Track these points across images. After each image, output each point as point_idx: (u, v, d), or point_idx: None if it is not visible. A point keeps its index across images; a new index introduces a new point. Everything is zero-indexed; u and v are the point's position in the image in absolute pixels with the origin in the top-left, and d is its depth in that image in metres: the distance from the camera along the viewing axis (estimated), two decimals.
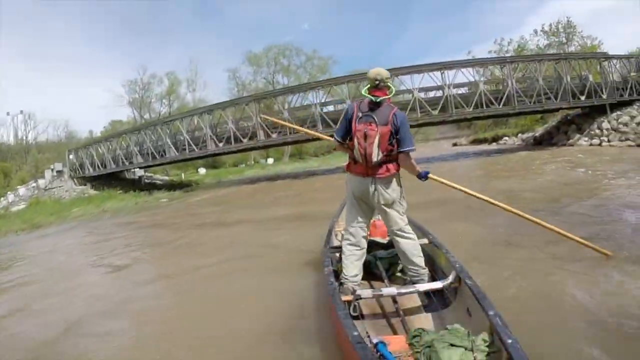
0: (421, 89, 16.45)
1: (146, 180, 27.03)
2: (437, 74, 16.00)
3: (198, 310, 3.27)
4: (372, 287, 2.79)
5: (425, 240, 2.98)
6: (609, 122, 18.66)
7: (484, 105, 15.79)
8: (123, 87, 42.67)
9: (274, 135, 17.65)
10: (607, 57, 19.85)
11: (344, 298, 2.29)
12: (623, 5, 47.72)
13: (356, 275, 2.58)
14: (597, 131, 18.61)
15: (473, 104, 15.68)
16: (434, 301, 2.48)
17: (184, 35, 68.78)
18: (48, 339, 3.09)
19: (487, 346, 1.69)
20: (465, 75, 16.56)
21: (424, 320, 2.31)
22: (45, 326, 3.39)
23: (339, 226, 3.90)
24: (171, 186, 23.96)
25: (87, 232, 10.19)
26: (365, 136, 2.43)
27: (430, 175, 2.75)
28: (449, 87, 15.56)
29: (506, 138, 29.48)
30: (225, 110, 19.78)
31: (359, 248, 2.63)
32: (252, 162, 35.23)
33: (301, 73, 39.33)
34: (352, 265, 2.59)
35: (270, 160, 34.76)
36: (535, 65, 17.42)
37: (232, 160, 38.31)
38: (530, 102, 16.68)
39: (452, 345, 1.69)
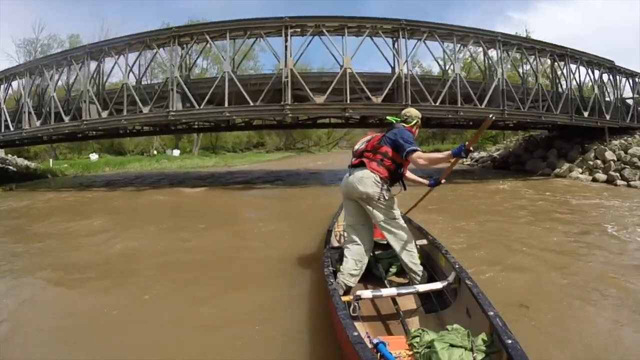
0: (362, 74, 9.35)
1: None
2: (389, 41, 9.11)
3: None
4: (371, 287, 2.53)
5: (425, 241, 2.89)
6: (613, 151, 13.05)
7: (459, 102, 9.08)
8: (18, 46, 31.48)
9: (105, 114, 9.74)
10: (614, 67, 14.29)
11: (344, 298, 2.15)
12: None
13: (353, 271, 2.46)
14: (598, 162, 12.93)
15: (441, 97, 8.92)
16: (433, 302, 2.38)
17: (119, 11, 55.54)
18: None
19: (487, 346, 1.63)
20: (429, 49, 9.73)
21: (424, 321, 2.24)
22: None
23: (338, 226, 3.73)
24: (22, 176, 17.04)
25: None
26: (364, 137, 2.68)
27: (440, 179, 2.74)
28: (405, 63, 8.61)
29: None
30: (55, 71, 11.55)
31: (356, 243, 2.53)
32: (155, 153, 26.29)
33: (224, 56, 29.19)
34: (346, 260, 2.51)
35: (177, 152, 26.02)
36: (535, 56, 11.17)
37: (140, 147, 29.55)
38: (523, 108, 10.37)
39: (452, 345, 1.64)
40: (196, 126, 12.75)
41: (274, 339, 2.31)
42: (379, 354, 1.60)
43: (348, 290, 2.38)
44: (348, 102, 7.93)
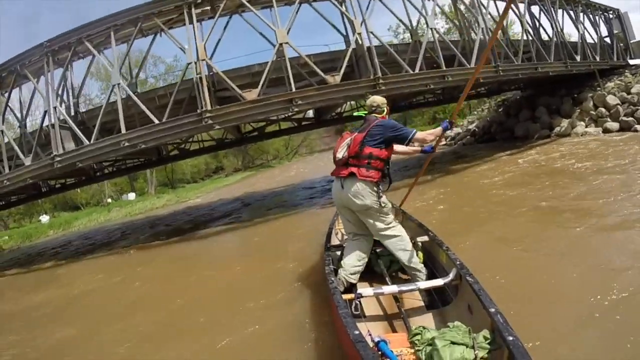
0: (309, 56, 6.69)
1: None
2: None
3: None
4: (373, 285, 2.52)
5: (425, 237, 2.72)
6: (614, 94, 11.03)
7: (442, 65, 6.65)
8: None
9: None
10: (590, 4, 12.37)
11: (345, 297, 2.08)
12: None
13: (354, 267, 2.40)
14: (602, 110, 10.87)
15: (418, 65, 6.47)
16: (435, 299, 2.31)
17: None
18: None
19: (489, 343, 1.55)
20: (387, 7, 7.22)
21: (425, 318, 2.15)
22: None
23: (338, 225, 3.56)
24: None
25: None
26: (342, 139, 2.48)
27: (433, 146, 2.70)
28: (363, 23, 6.11)
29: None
30: None
31: (358, 240, 2.49)
32: (108, 201, 22.79)
33: (161, 84, 22.14)
34: (347, 257, 2.45)
35: (132, 196, 22.60)
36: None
37: (96, 197, 25.82)
38: (516, 61, 8.09)
39: (453, 342, 1.56)
40: (124, 167, 9.86)
41: (275, 337, 2.27)
42: (380, 352, 1.54)
43: (349, 288, 2.33)
44: (292, 88, 5.33)
